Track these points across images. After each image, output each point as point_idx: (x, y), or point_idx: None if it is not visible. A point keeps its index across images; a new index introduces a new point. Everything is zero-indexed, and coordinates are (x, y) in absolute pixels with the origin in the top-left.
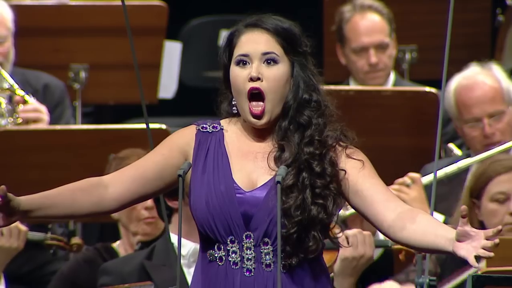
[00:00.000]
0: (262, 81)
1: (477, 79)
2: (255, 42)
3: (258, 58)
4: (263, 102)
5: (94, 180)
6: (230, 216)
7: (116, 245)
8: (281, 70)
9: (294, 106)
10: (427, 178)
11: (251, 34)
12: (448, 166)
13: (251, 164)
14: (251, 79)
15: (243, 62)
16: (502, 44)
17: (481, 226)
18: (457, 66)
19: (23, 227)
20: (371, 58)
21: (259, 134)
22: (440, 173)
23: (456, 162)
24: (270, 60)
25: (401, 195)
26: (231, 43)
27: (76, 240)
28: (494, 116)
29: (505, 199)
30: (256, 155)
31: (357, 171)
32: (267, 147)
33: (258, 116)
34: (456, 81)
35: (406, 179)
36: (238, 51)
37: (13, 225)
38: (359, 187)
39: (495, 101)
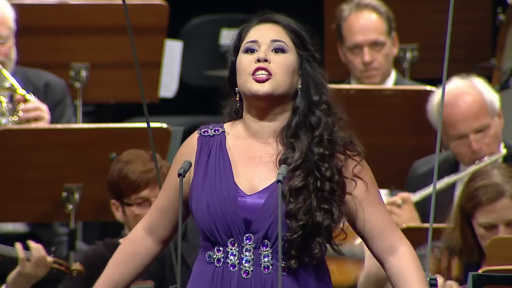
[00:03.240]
0: (269, 63)
1: (460, 94)
2: (264, 30)
3: (267, 44)
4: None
5: (135, 239)
6: (231, 219)
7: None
8: (289, 59)
9: (305, 107)
10: (416, 196)
11: (261, 27)
12: (439, 181)
13: (254, 169)
14: (258, 61)
15: (251, 50)
16: (503, 43)
17: (476, 239)
18: (458, 65)
19: (49, 258)
20: (364, 56)
21: (262, 136)
22: (430, 188)
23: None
24: (278, 49)
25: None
26: (240, 38)
27: (77, 266)
28: (480, 131)
29: (492, 227)
30: (260, 160)
31: (360, 195)
32: (270, 150)
33: (262, 81)
34: (438, 97)
35: (396, 199)
36: (247, 40)
37: (42, 255)
38: (359, 215)
39: (479, 115)
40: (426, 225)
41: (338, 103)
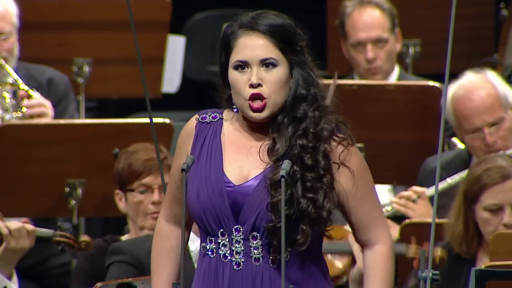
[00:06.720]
0: (262, 86)
1: (474, 88)
2: (252, 48)
3: (256, 64)
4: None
5: (164, 234)
6: (219, 208)
7: (124, 238)
8: (280, 72)
9: (291, 102)
10: (431, 191)
11: (248, 38)
12: (451, 176)
13: (244, 158)
14: (252, 86)
15: (241, 67)
16: (506, 38)
17: (476, 227)
18: (460, 60)
19: (31, 227)
20: (368, 53)
21: (257, 129)
22: (443, 184)
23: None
24: (269, 64)
25: (408, 212)
26: (227, 45)
27: (85, 237)
28: (494, 124)
29: (498, 209)
30: (250, 150)
31: (346, 184)
32: (262, 141)
33: (259, 110)
34: (453, 91)
35: (411, 193)
36: (235, 56)
37: (21, 225)
38: (345, 206)
39: (493, 109)
40: (429, 220)
41: (333, 95)
